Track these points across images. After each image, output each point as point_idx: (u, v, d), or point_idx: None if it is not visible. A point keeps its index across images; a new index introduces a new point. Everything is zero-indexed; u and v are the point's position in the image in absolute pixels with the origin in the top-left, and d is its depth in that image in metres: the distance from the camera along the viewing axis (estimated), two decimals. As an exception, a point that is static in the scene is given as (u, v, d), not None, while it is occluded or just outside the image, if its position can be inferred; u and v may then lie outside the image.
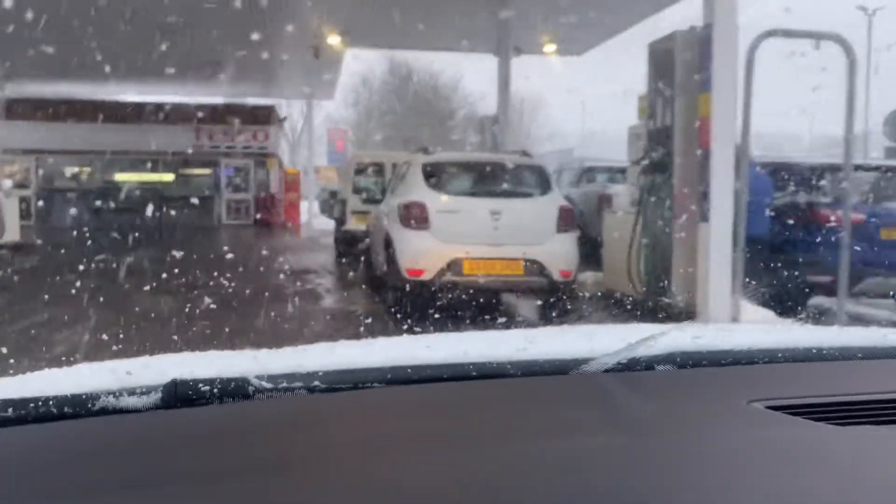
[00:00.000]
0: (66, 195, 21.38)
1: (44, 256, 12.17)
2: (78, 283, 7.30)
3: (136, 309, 6.22)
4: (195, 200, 21.83)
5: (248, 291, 7.20)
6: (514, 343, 1.10)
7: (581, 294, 6.90)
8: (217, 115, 22.33)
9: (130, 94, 22.55)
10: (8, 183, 21.10)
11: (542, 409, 0.88)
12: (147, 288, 6.99)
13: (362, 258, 9.36)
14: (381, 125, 30.64)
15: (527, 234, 6.16)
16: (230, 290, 6.99)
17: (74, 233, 17.67)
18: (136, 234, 18.17)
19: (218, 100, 23.35)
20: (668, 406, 0.89)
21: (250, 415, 0.85)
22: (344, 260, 11.45)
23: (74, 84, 20.99)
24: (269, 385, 0.87)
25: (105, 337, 4.81)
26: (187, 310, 6.17)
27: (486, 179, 6.56)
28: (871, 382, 0.99)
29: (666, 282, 6.31)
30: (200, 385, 0.85)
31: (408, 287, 6.14)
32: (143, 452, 0.75)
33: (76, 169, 22.38)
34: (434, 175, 6.43)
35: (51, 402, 0.82)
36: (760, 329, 1.31)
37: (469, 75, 31.30)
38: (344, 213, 11.80)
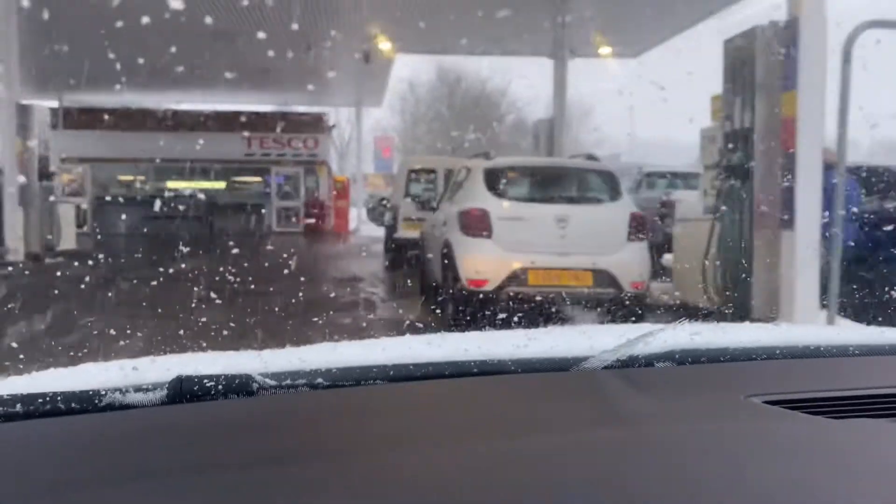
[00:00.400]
0: (120, 203, 21.70)
1: (99, 264, 12.22)
2: (135, 291, 7.27)
3: (193, 317, 6.09)
4: (246, 208, 21.97)
5: (303, 300, 7.05)
6: (515, 341, 1.10)
7: (652, 307, 6.50)
8: (268, 123, 22.46)
9: (183, 102, 22.83)
10: (63, 190, 21.54)
11: (541, 405, 0.89)
12: (202, 296, 6.88)
13: (416, 267, 9.13)
14: (429, 132, 30.47)
15: (596, 242, 5.82)
16: (285, 298, 6.85)
17: (128, 240, 17.87)
18: (189, 242, 18.30)
19: (269, 108, 23.54)
20: (667, 401, 0.89)
21: (254, 411, 0.86)
22: (395, 268, 11.23)
23: (128, 93, 21.34)
24: (272, 382, 0.88)
25: (164, 344, 4.67)
26: (242, 319, 6.01)
27: (552, 185, 6.24)
28: (868, 378, 0.99)
29: (745, 294, 5.88)
30: (205, 381, 0.86)
31: (468, 298, 5.85)
32: (148, 447, 0.76)
33: (130, 177, 22.70)
34: (496, 181, 6.13)
35: (58, 398, 0.83)
36: (759, 327, 1.32)
37: (517, 80, 30.97)
38: (395, 220, 11.58)
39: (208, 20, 13.77)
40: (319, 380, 0.91)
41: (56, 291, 8.75)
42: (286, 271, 11.66)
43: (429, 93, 30.81)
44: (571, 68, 12.93)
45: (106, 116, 21.84)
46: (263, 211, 22.11)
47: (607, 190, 6.19)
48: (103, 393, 0.85)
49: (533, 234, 5.81)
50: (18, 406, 0.82)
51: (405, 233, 11.25)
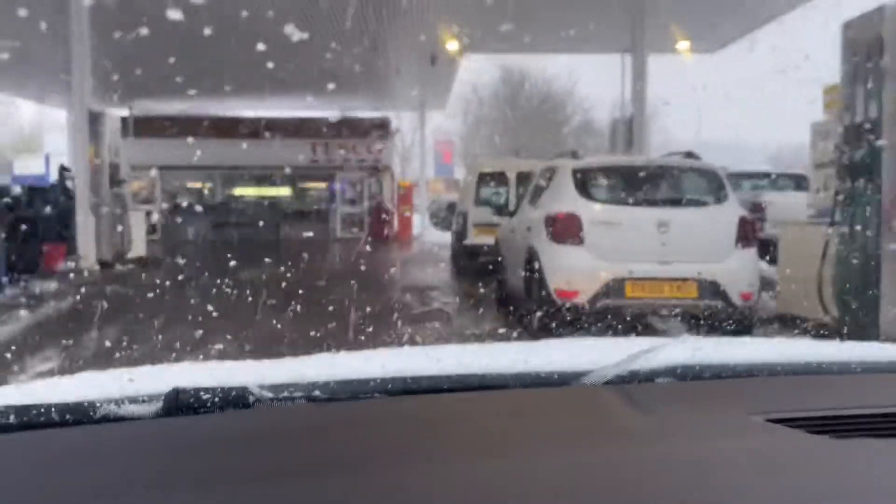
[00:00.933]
0: (188, 210, 21.94)
1: (170, 271, 12.17)
2: (208, 298, 7.13)
3: (268, 327, 5.85)
4: (311, 214, 21.94)
5: (376, 310, 6.75)
6: (516, 355, 1.10)
7: (762, 320, 5.88)
8: (333, 128, 22.38)
9: (249, 109, 22.98)
10: (133, 198, 21.90)
11: (540, 421, 0.88)
12: (275, 304, 6.68)
13: (490, 275, 8.68)
14: (492, 135, 29.99)
15: (701, 249, 5.26)
16: (358, 308, 6.55)
17: (197, 247, 17.98)
18: (256, 248, 18.31)
19: (333, 114, 23.48)
20: (668, 417, 0.89)
21: (250, 424, 0.85)
22: (467, 276, 10.79)
23: (196, 101, 21.59)
24: (269, 394, 0.88)
25: (241, 355, 4.38)
26: (316, 328, 5.72)
27: (650, 186, 5.68)
28: (871, 396, 0.98)
29: (871, 310, 5.22)
30: (202, 393, 0.85)
31: (557, 311, 5.36)
32: (143, 459, 0.76)
33: (198, 184, 22.96)
34: (587, 182, 5.62)
35: (53, 409, 0.83)
36: (760, 343, 1.29)
37: (584, 80, 30.23)
38: (464, 225, 11.14)
39: (275, 26, 13.67)
40: (317, 392, 0.89)
41: (130, 299, 8.63)
42: (355, 280, 11.38)
43: (492, 95, 30.30)
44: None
45: (174, 125, 22.16)
46: (328, 217, 22.04)
47: (712, 191, 5.61)
48: (98, 404, 0.84)
49: (630, 241, 5.29)
50: (12, 417, 0.81)
51: (476, 239, 10.82)
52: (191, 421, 0.84)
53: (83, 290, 9.54)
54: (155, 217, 21.25)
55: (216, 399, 0.85)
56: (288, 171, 22.30)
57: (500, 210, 7.73)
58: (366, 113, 23.44)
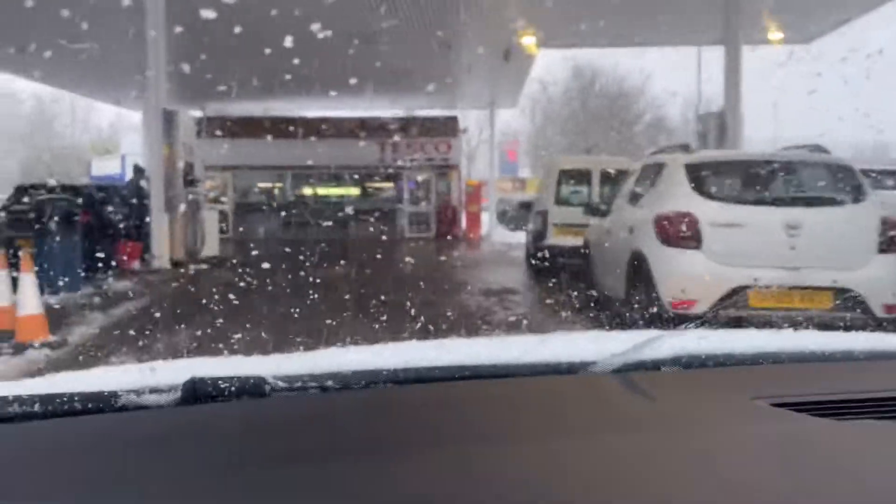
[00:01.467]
0: (259, 209, 22.05)
1: (244, 270, 12.05)
2: (284, 298, 6.98)
3: (346, 328, 5.56)
4: (379, 214, 21.75)
5: (458, 314, 6.36)
6: (525, 346, 1.10)
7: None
8: (401, 128, 22.17)
9: (317, 109, 22.96)
10: (206, 197, 22.12)
11: (549, 408, 0.89)
12: (349, 304, 6.43)
13: (573, 279, 8.15)
14: (561, 133, 29.27)
15: (837, 254, 4.65)
16: (436, 311, 6.20)
17: (268, 246, 17.97)
18: (326, 248, 18.18)
19: (401, 113, 23.26)
20: (673, 404, 0.90)
21: (266, 412, 0.86)
22: (547, 279, 10.28)
23: (268, 101, 21.68)
24: (284, 384, 0.89)
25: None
26: (393, 334, 5.34)
27: (776, 183, 5.06)
28: (874, 382, 0.99)
29: None
30: (219, 382, 0.86)
31: (668, 322, 4.81)
32: (162, 447, 0.77)
33: (269, 184, 23.04)
34: (703, 178, 5.04)
35: (76, 398, 0.84)
36: (765, 332, 1.25)
37: (656, 77, 29.23)
38: (544, 226, 10.60)
39: (345, 25, 13.43)
40: (330, 382, 0.90)
41: (205, 298, 8.45)
42: (430, 282, 11.03)
43: (562, 92, 29.59)
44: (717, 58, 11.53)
45: (246, 125, 22.27)
46: (396, 216, 21.81)
47: (847, 189, 4.96)
48: (120, 394, 0.85)
49: (754, 245, 4.70)
50: (37, 406, 0.82)
51: (557, 240, 10.29)
52: (208, 409, 0.85)
53: (158, 288, 9.42)
54: (227, 216, 21.43)
55: (233, 388, 0.86)
56: (356, 170, 22.20)
57: (593, 210, 7.17)
58: (434, 112, 23.12)
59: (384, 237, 21.33)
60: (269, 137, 21.79)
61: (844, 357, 1.11)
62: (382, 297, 7.07)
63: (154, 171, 11.14)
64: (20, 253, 6.42)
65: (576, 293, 7.88)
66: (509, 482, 0.67)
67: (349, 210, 21.51)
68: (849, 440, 0.77)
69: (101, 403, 0.84)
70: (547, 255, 10.42)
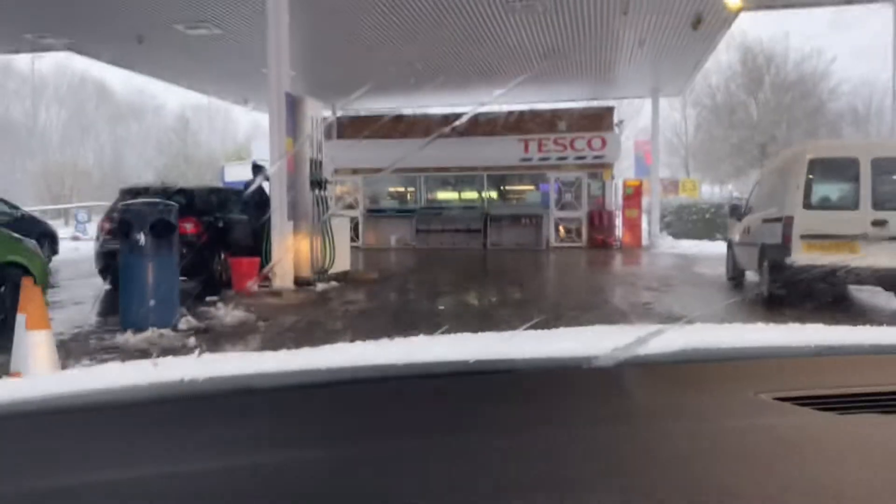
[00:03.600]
0: (390, 216, 20.10)
1: (381, 292, 9.83)
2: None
3: None
4: (522, 220, 19.27)
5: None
6: (529, 342, 1.12)
7: None
8: (547, 122, 19.60)
9: (452, 105, 20.72)
10: (336, 203, 20.40)
11: (552, 401, 0.89)
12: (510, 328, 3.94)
13: (840, 311, 5.36)
14: (731, 126, 25.54)
15: None
16: None
17: (401, 260, 15.88)
18: (463, 260, 15.84)
19: (545, 106, 20.65)
20: (677, 398, 0.90)
21: (262, 409, 0.85)
22: (790, 310, 7.38)
23: (398, 99, 19.68)
24: (282, 381, 0.90)
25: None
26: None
27: None
28: (878, 376, 0.97)
29: None
30: (215, 381, 0.87)
31: None
32: (161, 440, 0.76)
33: (401, 188, 21.04)
34: None
35: (73, 396, 0.84)
36: (770, 327, 1.22)
37: (840, 61, 25.01)
38: (784, 238, 7.67)
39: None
40: (332, 377, 0.92)
41: (352, 335, 6.22)
42: (596, 304, 8.45)
43: (729, 80, 25.84)
44: None
45: (378, 125, 20.43)
46: (541, 223, 19.20)
47: None
48: (118, 390, 0.86)
49: None
50: (35, 404, 0.83)
51: (807, 257, 7.40)
52: (208, 404, 0.84)
53: (281, 319, 7.30)
54: (357, 223, 19.61)
55: (233, 384, 0.87)
56: (497, 171, 19.85)
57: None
58: (584, 103, 20.40)
59: (527, 246, 18.87)
60: (400, 137, 19.88)
61: (848, 351, 1.07)
62: (544, 319, 4.94)
63: (276, 169, 9.15)
64: (24, 285, 4.28)
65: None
66: (514, 473, 0.66)
67: (487, 216, 19.19)
68: (852, 435, 0.77)
69: (100, 400, 0.84)
70: (790, 278, 7.52)
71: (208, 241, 9.59)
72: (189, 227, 9.41)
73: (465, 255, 17.02)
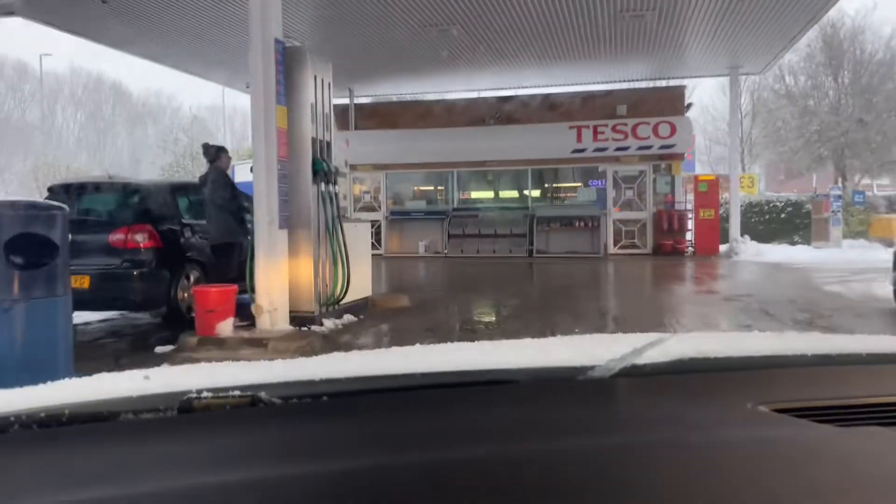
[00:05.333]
0: (417, 219, 17.04)
1: (418, 329, 6.78)
2: None
3: None
4: (573, 222, 16.15)
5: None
6: (526, 352, 1.11)
7: None
8: (603, 106, 16.47)
9: (489, 88, 17.65)
10: (354, 205, 17.36)
11: (548, 413, 0.87)
12: None
13: None
14: (804, 113, 22.20)
15: None
16: None
17: (434, 276, 12.83)
18: (511, 273, 12.77)
19: (600, 88, 17.51)
20: (673, 409, 0.88)
21: (264, 419, 0.85)
22: None
23: (423, 83, 16.67)
24: (280, 393, 0.87)
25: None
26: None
27: None
28: (878, 386, 0.96)
29: None
30: (215, 395, 0.85)
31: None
32: (156, 461, 0.75)
33: (429, 186, 17.98)
34: None
35: (70, 410, 0.82)
36: (768, 336, 1.19)
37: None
38: None
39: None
40: (328, 389, 0.90)
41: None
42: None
43: (807, 59, 22.47)
44: None
45: (403, 112, 17.46)
46: (597, 226, 16.08)
47: None
48: (113, 403, 0.84)
49: None
50: (26, 417, 0.81)
51: None
52: (204, 418, 0.83)
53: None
54: (378, 227, 16.59)
55: (230, 397, 0.85)
56: (543, 166, 16.76)
57: None
58: (647, 83, 17.23)
59: (581, 254, 15.75)
60: (426, 126, 16.86)
61: (847, 361, 1.05)
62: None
63: (260, 151, 6.12)
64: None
65: None
66: (508, 486, 0.65)
67: (532, 218, 16.12)
68: (851, 447, 0.75)
69: (94, 413, 0.83)
70: None
71: (169, 258, 6.62)
72: (140, 238, 6.44)
73: (511, 267, 13.91)
